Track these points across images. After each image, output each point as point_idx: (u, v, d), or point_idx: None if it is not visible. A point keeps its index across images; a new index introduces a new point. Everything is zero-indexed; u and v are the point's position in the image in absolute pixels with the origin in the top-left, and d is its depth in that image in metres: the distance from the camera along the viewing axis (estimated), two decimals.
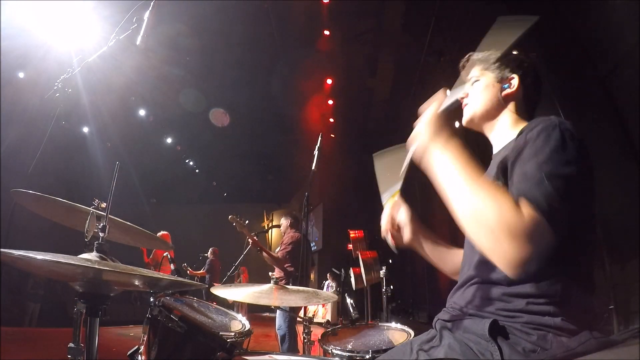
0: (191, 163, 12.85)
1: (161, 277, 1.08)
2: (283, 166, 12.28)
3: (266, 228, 12.26)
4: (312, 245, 11.29)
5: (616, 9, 2.74)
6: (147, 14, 2.22)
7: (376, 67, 8.38)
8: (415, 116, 0.96)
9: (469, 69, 1.16)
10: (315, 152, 2.43)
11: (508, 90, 1.08)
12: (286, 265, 3.53)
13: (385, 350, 1.39)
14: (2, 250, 0.75)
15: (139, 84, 7.89)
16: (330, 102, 9.43)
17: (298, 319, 3.08)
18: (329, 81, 8.82)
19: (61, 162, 8.14)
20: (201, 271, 7.09)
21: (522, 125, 0.99)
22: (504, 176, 0.90)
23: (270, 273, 1.59)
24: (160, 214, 12.32)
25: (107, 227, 1.17)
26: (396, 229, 1.20)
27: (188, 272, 6.66)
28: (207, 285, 2.89)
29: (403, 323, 1.79)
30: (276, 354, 1.19)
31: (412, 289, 8.62)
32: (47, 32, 5.39)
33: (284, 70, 8.23)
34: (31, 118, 6.33)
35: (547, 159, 0.79)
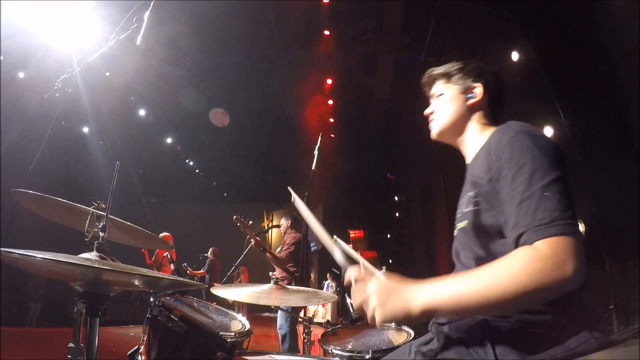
0: (191, 163, 12.86)
1: (161, 277, 1.08)
2: (283, 166, 12.28)
3: (266, 228, 12.26)
4: (311, 245, 11.30)
5: (616, 9, 2.74)
6: (147, 14, 2.22)
7: (376, 67, 8.39)
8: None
9: (431, 85, 1.17)
10: (315, 152, 2.43)
11: (472, 100, 1.09)
12: (289, 265, 3.56)
13: (385, 351, 1.40)
14: (2, 250, 0.75)
15: (139, 84, 7.89)
16: (330, 102, 9.43)
17: (299, 319, 3.09)
18: (329, 81, 8.83)
19: (61, 162, 8.14)
20: (201, 271, 7.09)
21: (490, 131, 1.00)
22: (481, 196, 0.90)
23: (270, 273, 1.59)
24: (160, 214, 12.32)
25: (107, 227, 1.17)
26: None
27: (188, 272, 6.65)
28: (207, 285, 2.89)
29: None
30: (276, 354, 1.19)
31: None
32: (47, 32, 5.39)
33: (283, 71, 8.24)
34: (31, 118, 6.33)
35: (533, 171, 0.78)
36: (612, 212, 2.80)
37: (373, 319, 0.78)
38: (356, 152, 9.93)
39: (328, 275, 7.32)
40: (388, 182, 11.51)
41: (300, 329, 2.33)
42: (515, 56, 3.69)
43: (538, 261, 0.69)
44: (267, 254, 3.52)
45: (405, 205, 10.70)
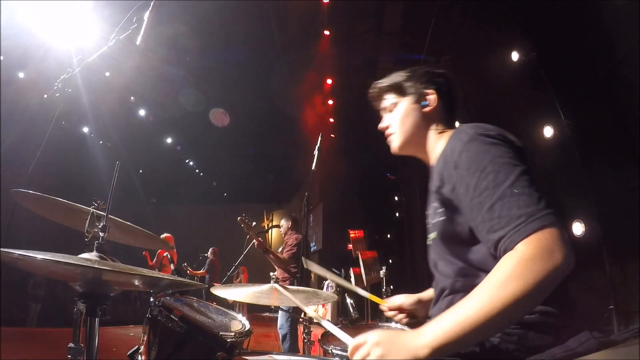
0: (191, 163, 12.87)
1: (161, 277, 1.08)
2: (283, 166, 12.28)
3: (266, 228, 12.26)
4: (311, 245, 11.30)
5: (616, 9, 2.73)
6: (147, 14, 2.22)
7: (376, 67, 8.38)
8: None
9: (381, 97, 1.13)
10: (315, 152, 2.43)
11: (428, 108, 1.06)
12: (291, 266, 3.57)
13: None
14: (2, 250, 0.75)
15: (139, 84, 7.90)
16: (330, 102, 9.43)
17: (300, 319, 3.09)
18: (329, 81, 8.82)
19: (61, 162, 8.13)
20: (201, 271, 7.10)
21: (447, 136, 0.97)
22: (445, 207, 0.90)
23: (271, 273, 1.59)
24: (160, 214, 12.34)
25: (107, 227, 1.17)
26: (409, 311, 1.32)
27: (188, 272, 6.66)
28: (207, 285, 2.90)
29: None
30: (276, 354, 1.19)
31: (412, 289, 8.61)
32: (47, 32, 5.39)
33: (284, 70, 8.23)
34: (31, 118, 6.33)
35: (496, 172, 0.77)
36: (612, 212, 2.80)
37: None
38: (356, 152, 9.92)
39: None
40: (388, 182, 11.50)
41: (300, 329, 2.33)
42: (515, 56, 3.69)
43: (526, 263, 0.68)
44: (270, 255, 3.54)
45: (405, 205, 10.69)
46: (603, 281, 2.79)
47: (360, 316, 2.17)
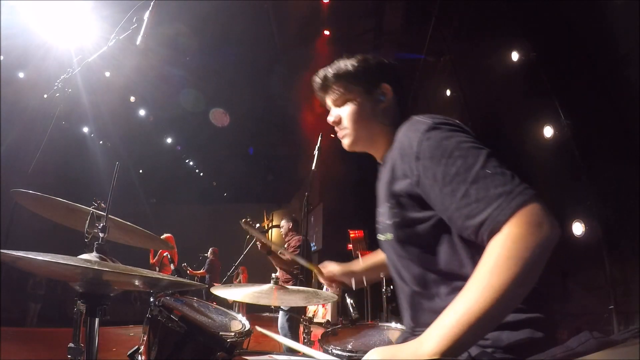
0: (191, 163, 12.87)
1: (161, 277, 1.08)
2: (283, 166, 12.28)
3: (266, 228, 12.25)
4: (312, 245, 11.29)
5: (616, 9, 2.74)
6: (147, 14, 2.22)
7: None
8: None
9: (330, 88, 1.02)
10: (315, 152, 2.44)
11: (384, 103, 0.98)
12: (294, 268, 3.55)
13: None
14: (2, 250, 0.75)
15: (139, 84, 7.90)
16: None
17: (300, 319, 3.09)
18: None
19: (61, 162, 8.15)
20: (201, 271, 7.10)
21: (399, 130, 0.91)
22: (403, 205, 0.85)
23: (273, 274, 1.59)
24: (160, 214, 12.33)
25: (107, 227, 1.17)
26: (339, 282, 1.35)
27: (188, 272, 6.66)
28: (207, 285, 2.90)
29: (403, 323, 1.79)
30: (276, 354, 1.19)
31: None
32: (47, 32, 5.40)
33: (283, 70, 8.23)
34: (31, 118, 6.33)
35: (464, 156, 0.74)
36: (612, 212, 2.80)
37: None
38: (356, 152, 9.92)
39: None
40: None
41: (300, 329, 2.33)
42: (515, 56, 3.69)
43: (519, 242, 0.66)
44: (274, 257, 3.51)
45: None
46: (603, 281, 2.79)
47: (360, 316, 2.17)
